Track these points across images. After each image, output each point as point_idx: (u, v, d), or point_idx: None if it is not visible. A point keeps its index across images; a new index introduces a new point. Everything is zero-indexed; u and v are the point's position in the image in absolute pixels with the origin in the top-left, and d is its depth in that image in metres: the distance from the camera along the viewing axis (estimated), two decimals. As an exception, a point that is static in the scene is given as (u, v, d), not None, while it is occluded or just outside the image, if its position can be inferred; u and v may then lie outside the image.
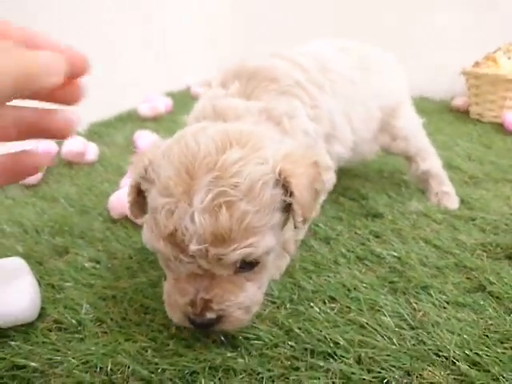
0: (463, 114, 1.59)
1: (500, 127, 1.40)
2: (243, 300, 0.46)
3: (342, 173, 1.04)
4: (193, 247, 0.41)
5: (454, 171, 1.04)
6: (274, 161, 0.46)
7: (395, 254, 0.67)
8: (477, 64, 1.50)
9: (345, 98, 0.72)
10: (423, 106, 1.72)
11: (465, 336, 0.50)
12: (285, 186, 0.46)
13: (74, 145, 1.01)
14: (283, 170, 0.46)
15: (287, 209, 0.48)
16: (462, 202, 0.87)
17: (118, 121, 1.46)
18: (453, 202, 0.87)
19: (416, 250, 0.68)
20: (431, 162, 0.91)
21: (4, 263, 0.57)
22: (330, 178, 0.68)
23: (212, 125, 0.50)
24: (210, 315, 0.44)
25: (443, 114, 1.59)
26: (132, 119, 1.49)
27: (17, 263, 0.58)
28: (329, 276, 0.62)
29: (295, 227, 0.49)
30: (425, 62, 1.81)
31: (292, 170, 0.46)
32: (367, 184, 0.97)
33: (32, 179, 0.92)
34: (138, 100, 1.53)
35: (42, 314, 0.55)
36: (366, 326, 0.52)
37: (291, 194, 0.46)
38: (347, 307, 0.56)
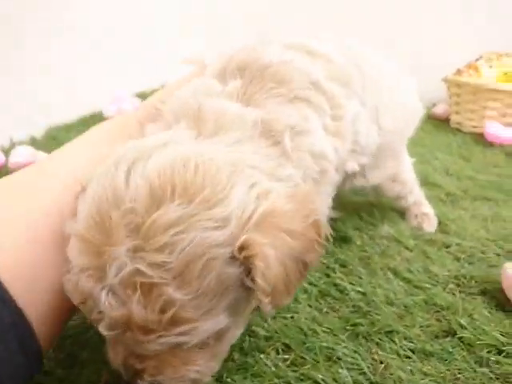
0: (443, 122, 1.54)
1: (480, 138, 1.36)
2: (185, 373, 0.36)
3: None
4: (103, 331, 0.33)
5: (431, 188, 0.99)
6: (239, 225, 0.33)
7: (361, 289, 0.61)
8: (458, 72, 1.45)
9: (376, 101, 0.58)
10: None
11: (430, 396, 0.45)
12: (246, 265, 0.33)
13: (22, 155, 0.93)
14: (247, 244, 0.32)
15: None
16: (438, 223, 0.82)
17: (81, 124, 1.37)
18: (432, 224, 0.82)
19: (383, 285, 0.63)
20: (416, 192, 0.85)
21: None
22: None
23: (173, 144, 0.37)
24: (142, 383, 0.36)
25: (423, 123, 1.54)
26: (96, 122, 1.40)
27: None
28: (286, 318, 0.55)
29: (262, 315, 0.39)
30: (407, 67, 1.77)
31: (262, 247, 0.32)
32: (338, 203, 0.91)
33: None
34: (103, 101, 1.44)
35: None
36: (320, 382, 0.46)
37: (253, 280, 0.33)
38: (302, 358, 0.50)
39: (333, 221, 0.80)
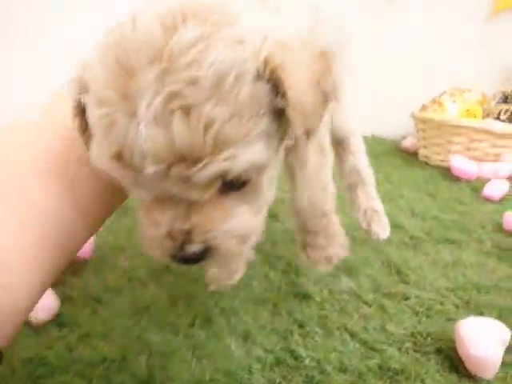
0: (412, 155, 1.58)
1: (447, 172, 1.39)
2: (234, 226, 0.34)
3: (279, 238, 0.98)
4: (147, 169, 0.29)
5: (395, 230, 0.99)
6: (257, 41, 0.31)
7: (315, 355, 0.61)
8: (424, 107, 1.49)
9: None
10: (373, 146, 1.71)
11: None
12: (274, 82, 0.31)
13: None
14: (271, 56, 0.31)
15: (282, 112, 0.33)
16: (399, 273, 0.83)
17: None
18: (384, 227, 0.82)
19: (339, 348, 0.63)
20: (360, 157, 0.81)
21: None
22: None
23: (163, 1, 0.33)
24: (193, 248, 0.33)
25: (392, 157, 1.57)
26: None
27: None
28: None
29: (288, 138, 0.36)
30: (378, 101, 1.81)
31: (285, 59, 0.31)
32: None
33: None
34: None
35: None
36: None
37: (283, 95, 0.31)
38: None
39: (296, 274, 0.82)
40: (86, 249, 0.85)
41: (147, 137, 0.28)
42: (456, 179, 1.33)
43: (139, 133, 0.28)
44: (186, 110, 0.28)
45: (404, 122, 1.82)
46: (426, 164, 1.48)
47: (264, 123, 0.32)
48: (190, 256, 0.33)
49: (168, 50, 0.28)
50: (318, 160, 0.56)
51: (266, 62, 0.31)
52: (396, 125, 1.83)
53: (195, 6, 0.31)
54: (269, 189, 0.38)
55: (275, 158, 0.37)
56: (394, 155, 1.59)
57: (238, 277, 0.69)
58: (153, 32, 0.29)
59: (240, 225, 0.35)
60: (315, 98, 0.34)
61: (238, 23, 0.31)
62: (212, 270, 0.68)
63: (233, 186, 0.33)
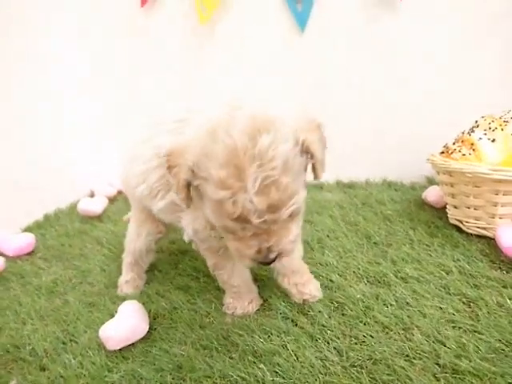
0: (440, 213, 1.11)
1: (491, 248, 0.92)
2: (292, 238, 0.61)
3: None
4: (255, 221, 0.56)
5: None
6: (294, 134, 0.58)
7: None
8: (447, 150, 1.03)
9: None
10: (389, 195, 1.26)
11: None
12: (306, 152, 0.59)
13: None
14: (304, 140, 0.58)
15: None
16: None
17: None
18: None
19: None
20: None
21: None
22: None
23: (231, 114, 0.59)
24: (272, 255, 0.60)
25: (413, 218, 1.11)
26: None
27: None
28: None
29: (315, 179, 0.64)
30: (389, 141, 1.37)
31: (310, 138, 0.59)
32: None
33: None
34: None
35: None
36: None
37: (311, 156, 0.60)
38: None
39: None
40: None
41: (256, 202, 0.54)
42: (508, 261, 0.87)
43: (252, 200, 0.54)
44: (274, 183, 0.54)
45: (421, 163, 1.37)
46: (460, 231, 1.01)
47: (304, 175, 0.62)
48: (270, 260, 0.61)
49: (257, 153, 0.54)
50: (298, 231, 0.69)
51: (303, 144, 0.59)
52: (411, 168, 1.38)
53: (261, 120, 0.57)
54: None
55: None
56: (416, 213, 1.13)
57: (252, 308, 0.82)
58: (244, 142, 0.54)
59: (293, 236, 0.62)
60: (324, 153, 0.63)
61: (282, 126, 0.57)
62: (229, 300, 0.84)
63: (291, 216, 0.59)
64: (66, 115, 1.57)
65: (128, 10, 1.55)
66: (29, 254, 1.18)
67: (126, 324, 0.75)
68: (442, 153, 1.04)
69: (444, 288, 0.81)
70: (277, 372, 0.66)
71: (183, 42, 1.54)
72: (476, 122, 1.03)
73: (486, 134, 0.98)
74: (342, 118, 1.40)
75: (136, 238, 0.93)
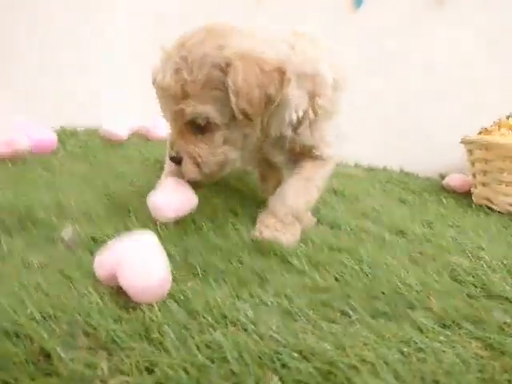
0: (463, 197, 1.16)
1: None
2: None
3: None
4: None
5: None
6: (230, 52, 0.59)
7: None
8: (486, 131, 1.09)
9: None
10: (409, 183, 1.30)
11: None
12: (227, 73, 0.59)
13: None
14: (229, 61, 0.58)
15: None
16: None
17: None
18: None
19: None
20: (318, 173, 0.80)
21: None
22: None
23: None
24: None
25: (442, 197, 1.14)
26: None
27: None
28: None
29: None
30: (406, 132, 1.43)
31: (237, 65, 0.58)
32: None
33: None
34: None
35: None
36: None
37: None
38: None
39: None
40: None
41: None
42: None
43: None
44: (176, 71, 0.60)
45: (438, 157, 1.44)
46: (490, 209, 1.05)
47: (214, 93, 0.60)
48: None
49: (186, 43, 0.62)
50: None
51: (227, 64, 0.58)
52: (428, 160, 1.44)
53: (216, 25, 0.64)
54: (228, 149, 0.65)
55: (228, 124, 0.63)
56: (443, 195, 1.16)
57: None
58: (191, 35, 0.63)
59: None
60: (255, 94, 0.59)
61: (228, 37, 0.61)
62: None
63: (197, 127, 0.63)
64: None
65: None
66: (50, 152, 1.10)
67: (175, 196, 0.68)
68: (480, 133, 1.11)
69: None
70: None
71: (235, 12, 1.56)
72: (510, 113, 1.11)
73: (522, 121, 1.06)
74: (373, 105, 1.45)
75: None
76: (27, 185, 0.83)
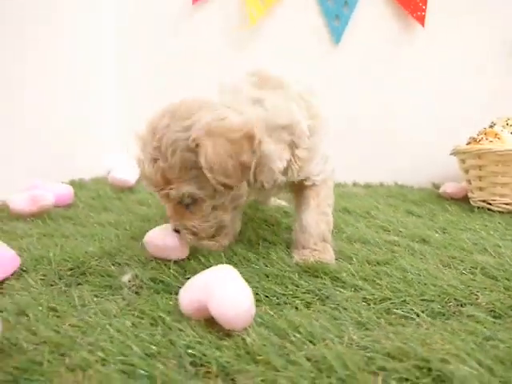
0: (461, 202, 1.25)
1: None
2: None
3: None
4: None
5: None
6: (196, 130, 0.61)
7: None
8: (474, 140, 1.20)
9: None
10: (406, 195, 1.37)
11: None
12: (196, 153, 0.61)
13: None
14: (197, 140, 0.60)
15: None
16: None
17: None
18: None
19: None
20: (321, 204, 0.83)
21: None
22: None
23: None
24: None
25: (443, 204, 1.23)
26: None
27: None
28: None
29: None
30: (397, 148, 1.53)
31: (205, 143, 0.60)
32: None
33: None
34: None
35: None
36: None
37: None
38: None
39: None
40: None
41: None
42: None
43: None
44: (154, 160, 0.65)
45: (429, 167, 1.55)
46: (490, 210, 1.14)
47: (192, 173, 0.64)
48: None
49: (155, 130, 0.65)
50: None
51: (196, 144, 0.61)
52: (420, 171, 1.55)
53: (176, 104, 0.67)
54: (219, 213, 0.70)
55: (211, 195, 0.67)
56: (446, 203, 1.24)
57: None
58: (157, 118, 0.66)
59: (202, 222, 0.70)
60: (228, 164, 0.60)
61: (191, 117, 0.63)
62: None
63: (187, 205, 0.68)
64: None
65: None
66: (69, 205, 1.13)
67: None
68: (469, 143, 1.21)
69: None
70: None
71: (226, 41, 1.66)
72: (492, 122, 1.22)
73: (504, 127, 1.16)
74: (362, 127, 1.55)
75: None
76: (66, 238, 0.85)
